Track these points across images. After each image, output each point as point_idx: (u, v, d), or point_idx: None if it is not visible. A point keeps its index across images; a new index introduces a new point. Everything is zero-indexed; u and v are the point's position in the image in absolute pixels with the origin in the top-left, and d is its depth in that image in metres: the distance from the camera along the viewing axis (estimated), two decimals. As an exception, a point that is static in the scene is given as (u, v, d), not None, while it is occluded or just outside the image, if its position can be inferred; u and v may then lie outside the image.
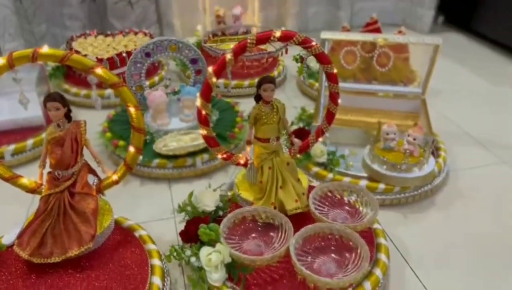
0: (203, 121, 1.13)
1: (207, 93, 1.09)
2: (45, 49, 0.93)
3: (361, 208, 1.18)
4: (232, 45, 2.37)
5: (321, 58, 1.15)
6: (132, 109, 1.02)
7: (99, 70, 0.96)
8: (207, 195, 1.16)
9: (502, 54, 2.52)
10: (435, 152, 1.51)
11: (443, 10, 2.91)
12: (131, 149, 1.09)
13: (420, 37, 1.46)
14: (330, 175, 1.38)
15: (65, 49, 2.14)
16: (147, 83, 1.67)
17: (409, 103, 1.69)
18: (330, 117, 1.25)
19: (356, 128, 1.53)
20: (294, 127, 1.55)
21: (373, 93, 1.74)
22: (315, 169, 1.41)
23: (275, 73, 2.13)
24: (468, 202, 1.38)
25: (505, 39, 2.50)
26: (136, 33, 2.20)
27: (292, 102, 2.02)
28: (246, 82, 2.04)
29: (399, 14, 2.94)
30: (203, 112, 1.11)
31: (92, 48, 2.01)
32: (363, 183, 1.34)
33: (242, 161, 1.23)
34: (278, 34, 1.08)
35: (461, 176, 1.49)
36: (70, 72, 2.06)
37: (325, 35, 1.53)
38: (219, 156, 1.20)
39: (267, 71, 2.13)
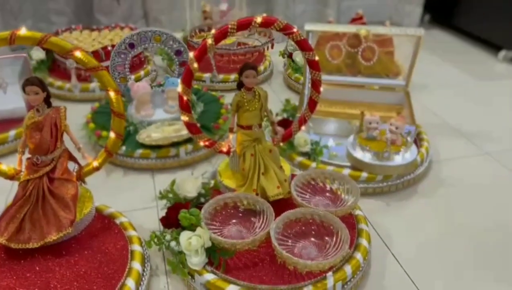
0: (184, 107, 1.13)
1: (188, 78, 1.10)
2: (23, 31, 0.93)
3: (343, 195, 1.19)
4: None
5: (302, 45, 1.15)
6: (112, 94, 1.02)
7: (78, 53, 0.96)
8: (189, 182, 1.15)
9: (484, 50, 2.56)
10: (418, 142, 1.53)
11: (429, 8, 2.95)
12: (112, 134, 1.08)
13: (402, 28, 1.48)
14: (314, 165, 1.39)
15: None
16: (133, 76, 1.66)
17: (393, 96, 1.71)
18: (312, 105, 1.25)
19: (340, 119, 1.54)
20: (279, 118, 1.56)
21: (358, 86, 1.75)
22: (299, 158, 1.42)
23: (261, 68, 2.14)
24: (450, 192, 1.39)
25: (486, 34, 2.54)
26: (122, 28, 2.19)
27: (279, 97, 2.03)
28: (232, 76, 2.05)
29: (385, 11, 2.97)
30: (185, 98, 1.11)
31: (77, 42, 2.00)
32: (346, 172, 1.35)
33: (224, 149, 1.24)
34: (259, 19, 1.08)
35: (444, 166, 1.51)
36: (55, 65, 2.05)
37: (309, 27, 1.54)
38: (201, 143, 1.20)
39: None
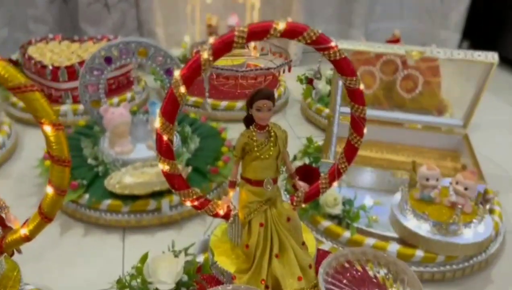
0: (164, 150, 0.77)
1: (171, 109, 0.75)
2: None
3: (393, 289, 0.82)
4: (225, 61, 2.07)
5: (342, 66, 0.81)
6: (48, 128, 0.67)
7: (-7, 64, 0.62)
8: (165, 263, 0.79)
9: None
10: (485, 205, 1.16)
11: (468, 34, 2.62)
12: (49, 190, 0.73)
13: (467, 52, 1.14)
14: (347, 234, 1.02)
15: (19, 55, 1.81)
16: (110, 101, 1.33)
17: (446, 139, 1.36)
18: (351, 152, 0.89)
19: (379, 168, 1.18)
20: (298, 163, 1.20)
21: (399, 124, 1.40)
22: (326, 223, 1.05)
23: (276, 94, 1.80)
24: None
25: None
26: (109, 40, 1.87)
27: (295, 132, 1.68)
28: (239, 104, 1.71)
29: (417, 37, 2.64)
30: (164, 138, 0.76)
31: (52, 54, 1.68)
32: (393, 247, 0.98)
33: (221, 212, 0.87)
34: (281, 26, 0.74)
35: (522, 240, 1.13)
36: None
37: (342, 44, 1.20)
38: (188, 203, 0.84)
39: (265, 92, 1.80)
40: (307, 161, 1.21)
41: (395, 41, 1.83)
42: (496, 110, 1.96)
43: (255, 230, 0.80)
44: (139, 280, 0.80)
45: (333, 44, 0.79)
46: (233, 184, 0.86)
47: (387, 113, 1.40)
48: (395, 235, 1.01)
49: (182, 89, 0.73)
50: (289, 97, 1.94)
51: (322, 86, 1.73)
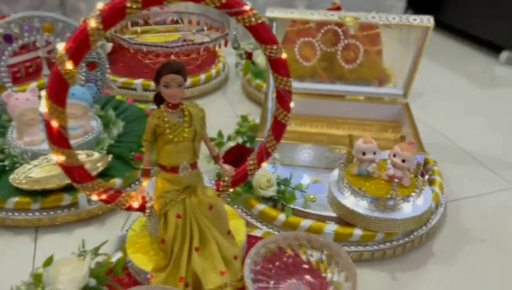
0: (55, 139, 0.67)
1: (58, 89, 0.64)
2: None
3: (328, 275, 0.77)
4: (159, 37, 1.94)
5: (260, 33, 0.73)
6: None
7: None
8: (68, 267, 0.70)
9: (481, 51, 2.23)
10: (426, 176, 1.13)
11: (412, 2, 2.61)
12: None
13: (402, 17, 1.09)
14: (282, 216, 0.96)
15: None
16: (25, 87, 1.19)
17: (387, 109, 1.32)
18: (278, 129, 0.83)
19: (318, 145, 1.12)
20: (231, 144, 1.12)
21: (339, 96, 1.35)
22: (260, 206, 0.98)
23: (213, 72, 1.70)
24: (480, 246, 1.00)
25: (483, 32, 2.21)
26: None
27: (235, 110, 1.60)
28: (173, 83, 1.59)
29: (364, 5, 2.60)
30: (54, 125, 0.65)
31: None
32: (331, 228, 0.93)
33: (135, 204, 0.78)
34: (182, -13, 0.65)
35: (464, 209, 1.12)
36: None
37: (272, 13, 1.12)
38: (94, 197, 0.75)
39: (202, 69, 1.70)
40: (240, 141, 1.13)
41: (336, 9, 1.77)
42: (439, 77, 1.95)
43: (171, 222, 0.73)
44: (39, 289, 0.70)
45: (246, 7, 0.70)
46: (146, 173, 0.78)
47: (326, 86, 1.35)
48: (333, 214, 0.96)
49: (69, 66, 0.63)
50: (228, 73, 1.85)
51: (260, 60, 1.65)
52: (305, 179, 1.08)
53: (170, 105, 0.73)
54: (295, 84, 1.36)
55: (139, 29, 1.84)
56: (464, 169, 1.29)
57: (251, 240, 0.87)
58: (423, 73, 1.92)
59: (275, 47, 0.74)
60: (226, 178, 0.84)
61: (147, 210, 0.78)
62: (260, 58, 1.66)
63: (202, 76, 1.65)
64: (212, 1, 0.68)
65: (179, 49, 1.65)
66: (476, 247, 1.00)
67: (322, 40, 1.51)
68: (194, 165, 0.75)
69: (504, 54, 2.09)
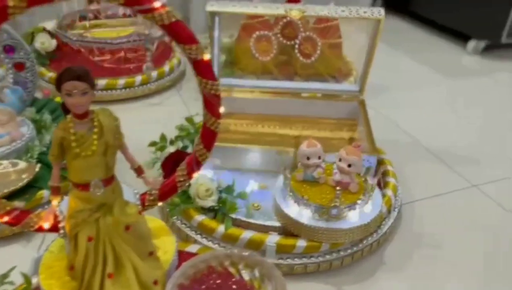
0: None
1: None
2: None
3: (264, 294, 0.71)
4: (110, 32, 1.83)
5: (176, 32, 0.65)
6: None
7: None
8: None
9: (449, 40, 2.19)
10: (381, 178, 1.08)
11: (381, -9, 2.55)
12: None
13: (352, 9, 1.02)
14: (221, 228, 0.89)
15: None
16: None
17: (343, 106, 1.25)
18: (208, 137, 0.75)
19: (266, 147, 1.06)
20: (171, 149, 1.04)
21: (294, 94, 1.28)
22: (199, 217, 0.92)
23: (166, 68, 1.62)
24: (434, 254, 0.95)
25: (450, 22, 2.16)
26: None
27: (190, 109, 1.52)
28: (121, 81, 1.51)
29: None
30: None
31: None
32: (272, 239, 0.87)
33: (46, 225, 0.71)
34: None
35: (420, 212, 1.07)
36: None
37: (212, 6, 1.04)
38: (-5, 220, 0.67)
39: (155, 66, 1.61)
40: (180, 146, 1.06)
41: (295, 1, 1.70)
42: (405, 68, 1.91)
43: (82, 245, 0.65)
44: None
45: (157, 4, 0.63)
46: (55, 190, 0.70)
47: (279, 83, 1.28)
48: (278, 223, 0.90)
49: None
50: (185, 69, 1.76)
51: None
52: (252, 185, 1.02)
53: (77, 115, 0.65)
54: (248, 82, 1.31)
55: (87, 23, 1.75)
56: (423, 167, 1.24)
57: (185, 257, 0.80)
58: (389, 65, 1.88)
59: (194, 47, 0.66)
60: (153, 191, 0.77)
61: (61, 231, 0.71)
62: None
63: (154, 73, 1.56)
64: (116, -2, 0.60)
65: (125, 45, 1.57)
66: (430, 253, 0.96)
67: (282, 33, 1.44)
68: (108, 181, 0.68)
69: (471, 43, 2.05)
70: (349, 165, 0.87)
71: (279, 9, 1.03)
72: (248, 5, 1.04)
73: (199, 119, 1.17)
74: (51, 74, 1.50)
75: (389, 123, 1.46)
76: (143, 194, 0.79)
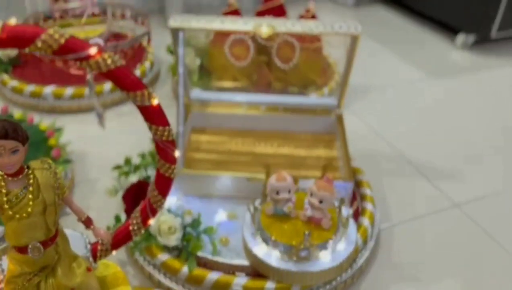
0: None
1: None
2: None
3: None
4: (78, 33, 1.73)
5: (119, 78, 0.58)
6: None
7: None
8: None
9: (437, 33, 2.11)
10: (359, 201, 1.02)
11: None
12: None
13: (327, 24, 0.95)
14: (186, 269, 0.84)
15: None
16: None
17: (320, 121, 1.19)
18: (163, 184, 0.69)
19: (239, 173, 1.00)
20: (133, 178, 0.98)
21: (270, 109, 1.21)
22: (162, 256, 0.86)
23: (138, 71, 1.53)
24: (411, 285, 0.91)
25: (439, 14, 2.08)
26: None
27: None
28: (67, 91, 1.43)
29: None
30: None
31: None
32: (240, 281, 0.82)
33: (-15, 287, 0.65)
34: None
35: (398, 237, 1.02)
36: None
37: (175, 22, 0.96)
38: None
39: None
40: (144, 175, 0.99)
41: (233, 12, 1.58)
42: (390, 66, 1.84)
43: (22, 315, 0.59)
44: None
45: (92, 51, 0.55)
46: (-6, 252, 0.64)
47: (255, 97, 1.20)
48: (246, 262, 0.85)
49: None
50: (160, 72, 1.68)
51: (189, 59, 1.49)
52: (220, 215, 0.97)
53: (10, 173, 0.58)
54: (221, 96, 1.23)
55: (54, 23, 1.65)
56: (404, 185, 1.19)
57: (143, 309, 0.75)
58: (373, 62, 1.81)
59: (139, 94, 0.60)
60: (105, 241, 0.71)
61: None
62: (189, 58, 1.50)
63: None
64: (48, 44, 0.52)
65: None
66: (407, 285, 0.91)
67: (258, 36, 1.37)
68: (50, 242, 0.62)
69: (460, 37, 1.98)
70: (321, 201, 0.82)
71: (247, 25, 0.95)
72: (214, 20, 0.96)
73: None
74: (14, 83, 1.42)
75: (370, 132, 1.40)
76: (95, 244, 0.73)
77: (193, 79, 1.46)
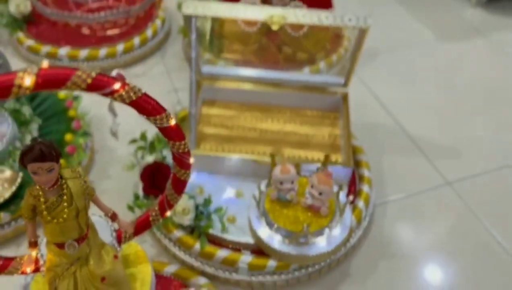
0: None
1: None
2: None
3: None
4: None
5: (142, 107, 0.64)
6: None
7: None
8: None
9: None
10: (356, 180, 1.11)
11: None
12: None
13: (337, 16, 0.96)
14: (198, 246, 0.95)
15: None
16: None
17: (326, 99, 1.24)
18: (179, 186, 0.78)
19: (243, 156, 1.07)
20: (149, 159, 1.06)
21: (277, 85, 1.25)
22: (177, 233, 0.97)
23: (148, 33, 1.55)
24: (400, 265, 1.02)
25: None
26: None
27: (173, 81, 1.49)
28: (102, 51, 1.46)
29: None
30: None
31: None
32: (245, 259, 0.94)
33: (29, 269, 0.76)
34: (28, 80, 0.55)
35: (391, 215, 1.12)
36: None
37: (188, 9, 0.98)
38: (-21, 273, 0.72)
39: (137, 31, 1.54)
40: (156, 157, 1.07)
41: None
42: (402, 28, 1.81)
43: (60, 297, 0.71)
44: None
45: (116, 86, 0.61)
46: (33, 244, 0.74)
47: (263, 73, 1.24)
48: (251, 241, 0.96)
49: None
50: (171, 28, 1.68)
51: (200, 23, 1.49)
52: (228, 192, 1.06)
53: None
54: (230, 71, 1.26)
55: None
56: (401, 161, 1.26)
57: (161, 283, 0.88)
58: (387, 23, 1.79)
59: (159, 117, 0.66)
60: (129, 232, 0.81)
61: (42, 273, 0.76)
62: (200, 21, 1.50)
63: (136, 40, 1.51)
64: (77, 85, 0.58)
65: (103, 19, 1.49)
66: (396, 264, 1.03)
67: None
68: (82, 239, 0.72)
69: (476, -5, 1.93)
70: (320, 193, 0.90)
71: (261, 14, 0.97)
72: (227, 7, 0.97)
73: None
74: (30, 42, 1.45)
75: (375, 103, 1.44)
76: (118, 230, 0.83)
77: (203, 44, 1.48)
